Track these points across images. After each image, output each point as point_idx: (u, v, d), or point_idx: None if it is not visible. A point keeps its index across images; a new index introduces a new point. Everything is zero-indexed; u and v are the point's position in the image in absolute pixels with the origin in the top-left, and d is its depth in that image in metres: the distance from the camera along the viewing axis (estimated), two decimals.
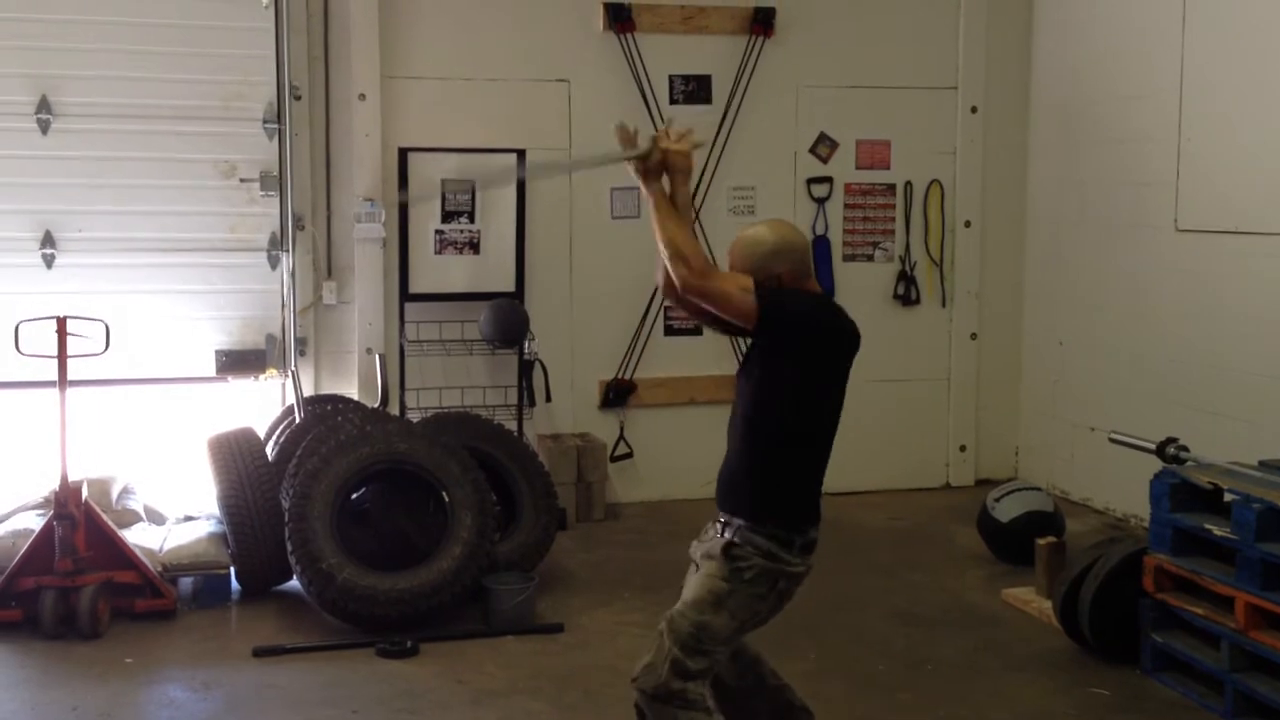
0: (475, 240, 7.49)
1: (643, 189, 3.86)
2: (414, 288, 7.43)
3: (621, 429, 7.94)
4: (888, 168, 8.26)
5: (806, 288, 3.85)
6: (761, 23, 7.90)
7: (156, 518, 6.56)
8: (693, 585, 3.79)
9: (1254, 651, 4.67)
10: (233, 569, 6.08)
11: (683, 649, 3.68)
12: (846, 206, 8.22)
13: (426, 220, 7.42)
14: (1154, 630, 5.13)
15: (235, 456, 6.10)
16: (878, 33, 8.17)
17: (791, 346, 3.73)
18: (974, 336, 8.46)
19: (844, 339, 3.83)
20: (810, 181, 8.14)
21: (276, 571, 6.00)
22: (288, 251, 7.02)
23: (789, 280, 3.79)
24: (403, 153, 7.37)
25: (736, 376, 3.95)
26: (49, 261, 6.76)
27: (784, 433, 3.78)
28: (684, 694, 3.66)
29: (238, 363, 7.02)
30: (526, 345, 7.50)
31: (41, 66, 6.71)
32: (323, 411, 6.80)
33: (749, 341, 3.90)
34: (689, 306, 3.91)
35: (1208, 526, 4.91)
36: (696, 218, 7.89)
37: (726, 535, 3.77)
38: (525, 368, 7.56)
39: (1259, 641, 4.63)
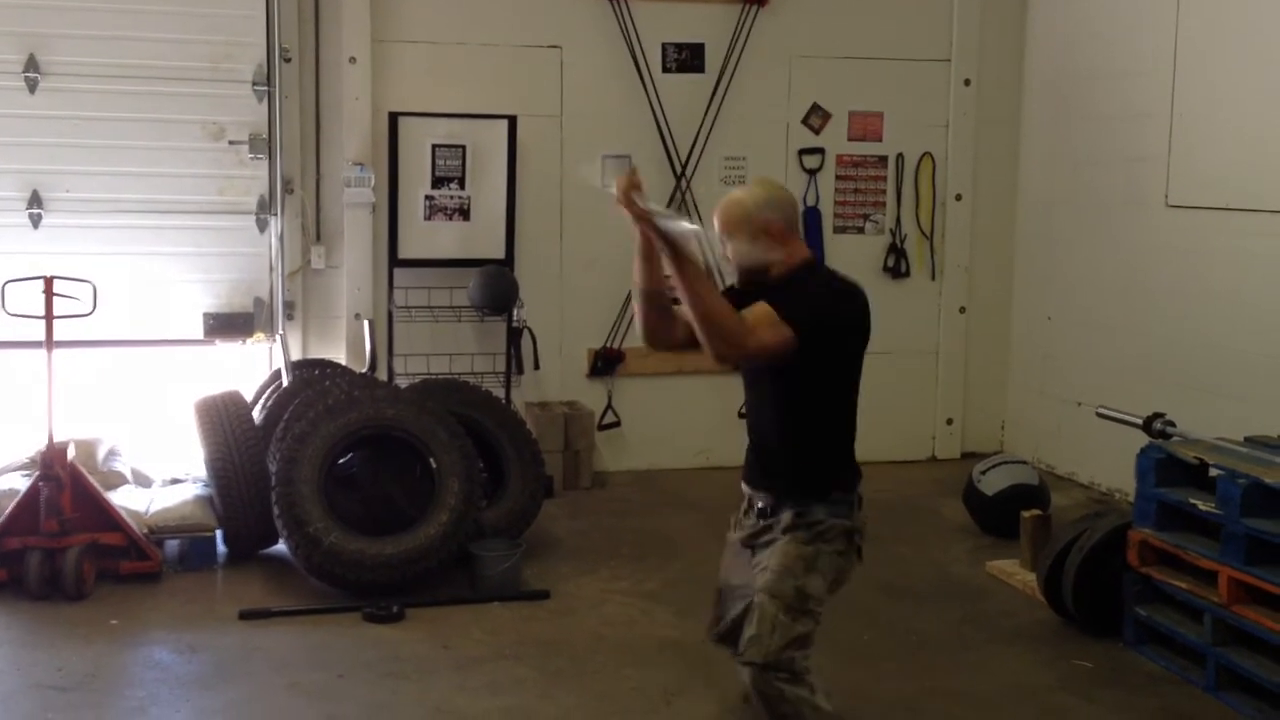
0: (465, 206, 7.45)
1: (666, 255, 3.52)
2: (403, 253, 7.40)
3: (609, 398, 7.94)
4: (880, 140, 8.24)
5: (794, 242, 3.78)
6: None
7: (143, 480, 6.55)
8: (776, 556, 3.76)
9: (1236, 626, 4.70)
10: (219, 532, 6.07)
11: (788, 612, 3.67)
12: (838, 178, 8.20)
13: (416, 186, 7.38)
14: (1137, 604, 5.15)
15: (222, 420, 6.08)
16: (872, 4, 8.13)
17: (831, 349, 3.69)
18: (963, 310, 8.46)
19: (867, 320, 3.77)
20: (802, 152, 8.12)
21: (262, 535, 5.99)
22: (276, 215, 7.00)
23: (779, 232, 3.71)
24: (393, 117, 7.33)
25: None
26: (36, 221, 6.73)
27: (827, 415, 3.79)
28: (791, 663, 3.64)
29: (225, 326, 7.00)
30: (515, 313, 7.49)
31: (29, 25, 6.67)
32: (310, 376, 6.77)
33: None
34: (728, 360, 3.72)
35: (1192, 501, 4.93)
36: (688, 188, 7.88)
37: (788, 511, 3.76)
38: (514, 335, 7.54)
39: (1241, 616, 4.65)
